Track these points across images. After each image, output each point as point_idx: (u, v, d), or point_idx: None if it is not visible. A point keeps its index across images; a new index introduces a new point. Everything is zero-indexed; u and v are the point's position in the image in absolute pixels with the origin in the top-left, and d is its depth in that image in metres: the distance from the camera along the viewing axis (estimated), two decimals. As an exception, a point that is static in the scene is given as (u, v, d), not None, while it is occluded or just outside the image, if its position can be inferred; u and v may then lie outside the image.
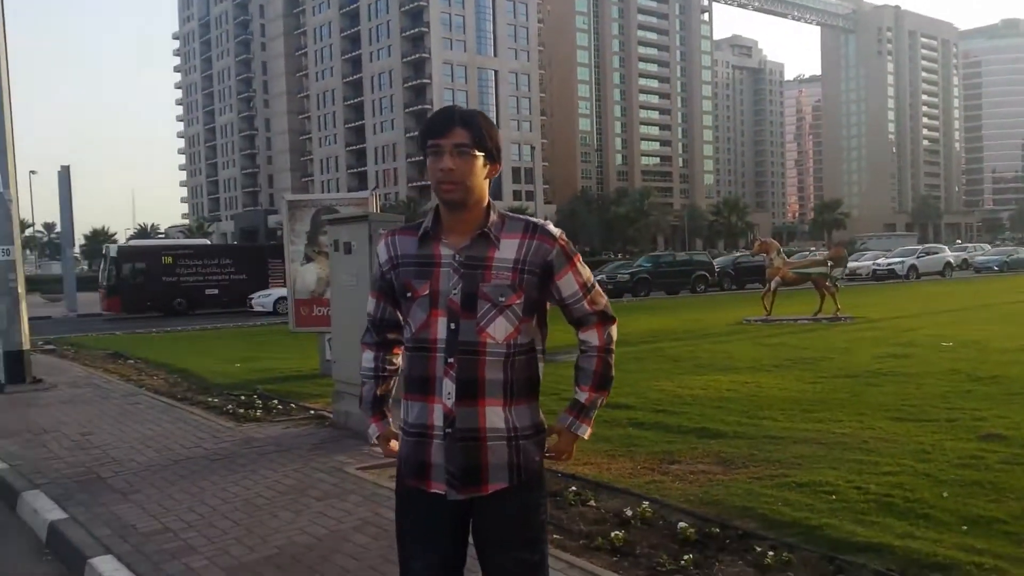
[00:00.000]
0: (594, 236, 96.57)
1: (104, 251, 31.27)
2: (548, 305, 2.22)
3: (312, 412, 8.03)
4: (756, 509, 4.54)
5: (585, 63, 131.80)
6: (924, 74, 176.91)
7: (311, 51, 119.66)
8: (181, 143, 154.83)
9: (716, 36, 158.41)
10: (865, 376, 9.32)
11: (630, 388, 8.51)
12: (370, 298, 2.31)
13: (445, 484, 2.08)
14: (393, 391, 2.36)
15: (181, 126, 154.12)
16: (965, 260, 51.36)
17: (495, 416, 2.08)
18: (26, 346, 10.69)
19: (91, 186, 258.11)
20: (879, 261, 42.22)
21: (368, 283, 6.70)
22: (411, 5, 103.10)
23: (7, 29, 10.67)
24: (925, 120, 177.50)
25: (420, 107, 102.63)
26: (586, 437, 2.28)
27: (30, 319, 11.11)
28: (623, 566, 3.89)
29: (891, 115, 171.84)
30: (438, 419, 2.07)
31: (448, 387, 2.06)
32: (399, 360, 2.31)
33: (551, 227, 2.15)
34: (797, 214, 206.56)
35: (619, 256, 66.06)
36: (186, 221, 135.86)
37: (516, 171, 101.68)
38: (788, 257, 20.25)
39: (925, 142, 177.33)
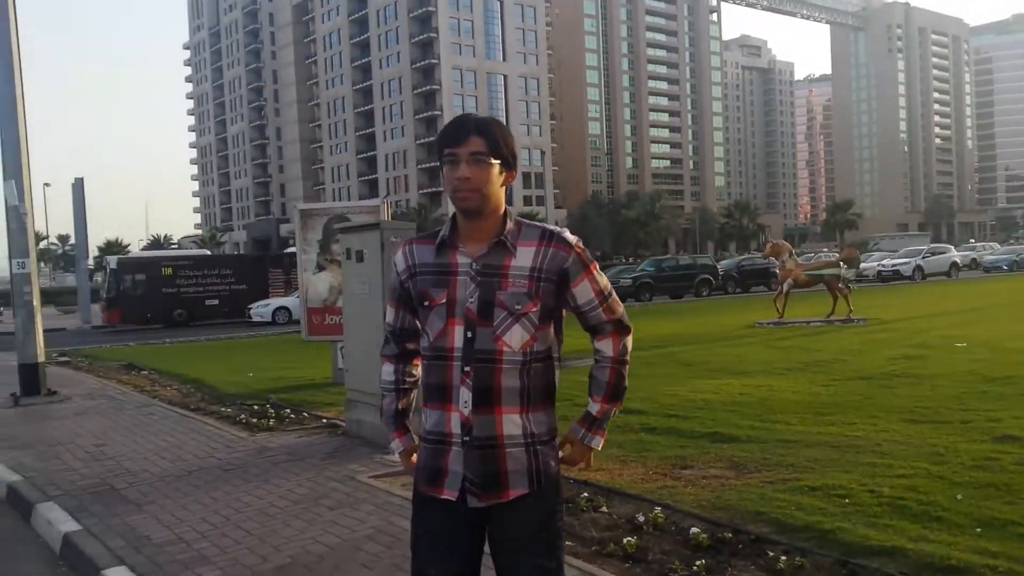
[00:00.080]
0: (605, 240, 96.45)
1: (104, 263, 31.43)
2: (564, 312, 2.22)
3: (325, 421, 8.06)
4: (769, 513, 4.53)
5: (594, 66, 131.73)
6: (935, 71, 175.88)
7: (321, 59, 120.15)
8: (193, 153, 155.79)
9: (725, 36, 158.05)
10: (879, 378, 9.28)
11: (642, 393, 8.49)
12: (388, 307, 2.32)
13: (465, 492, 2.08)
14: (414, 403, 2.37)
15: (193, 136, 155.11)
16: (974, 260, 50.56)
17: (512, 423, 2.08)
18: (41, 359, 10.77)
19: (105, 198, 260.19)
20: (884, 262, 41.47)
21: (380, 291, 6.76)
22: (419, 11, 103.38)
23: (20, 43, 10.77)
24: (937, 118, 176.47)
25: (430, 113, 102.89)
26: (599, 448, 2.28)
27: (44, 331, 11.19)
28: (635, 572, 3.88)
29: (902, 113, 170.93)
30: (455, 427, 2.08)
31: (465, 395, 2.07)
32: (419, 371, 2.31)
33: (567, 234, 2.15)
34: (809, 215, 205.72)
35: (630, 260, 65.92)
36: (199, 231, 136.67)
37: (526, 176, 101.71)
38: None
39: (937, 140, 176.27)
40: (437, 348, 2.11)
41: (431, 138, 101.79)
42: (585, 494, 4.96)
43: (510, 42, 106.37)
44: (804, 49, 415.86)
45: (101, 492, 5.80)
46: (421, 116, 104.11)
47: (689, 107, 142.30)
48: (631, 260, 67.13)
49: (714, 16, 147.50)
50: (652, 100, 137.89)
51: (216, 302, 29.99)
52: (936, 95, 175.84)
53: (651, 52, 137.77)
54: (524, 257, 2.09)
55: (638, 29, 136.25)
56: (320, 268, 10.81)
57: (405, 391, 2.33)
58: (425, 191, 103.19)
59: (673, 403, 8.18)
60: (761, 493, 4.92)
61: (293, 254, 35.55)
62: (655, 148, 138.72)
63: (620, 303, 2.24)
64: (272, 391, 10.22)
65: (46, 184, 65.08)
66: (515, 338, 2.07)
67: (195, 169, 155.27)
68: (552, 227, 2.16)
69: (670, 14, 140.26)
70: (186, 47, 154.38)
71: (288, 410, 8.67)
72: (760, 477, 5.32)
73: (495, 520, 2.12)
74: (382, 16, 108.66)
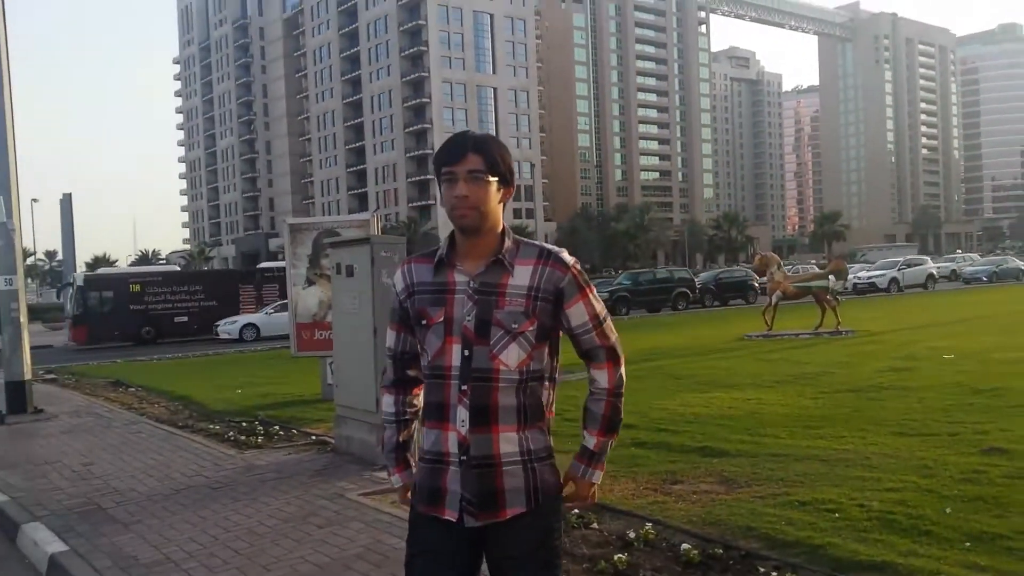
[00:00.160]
0: (594, 253, 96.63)
1: (71, 280, 31.06)
2: (560, 333, 2.21)
3: (314, 437, 8.02)
4: (759, 529, 4.53)
5: (584, 79, 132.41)
6: (922, 82, 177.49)
7: (311, 72, 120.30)
8: (182, 168, 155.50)
9: (713, 48, 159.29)
10: (867, 391, 9.31)
11: (632, 407, 8.43)
12: (389, 331, 2.29)
13: (461, 511, 2.07)
14: (415, 435, 2.34)
15: (182, 151, 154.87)
16: (954, 271, 50.51)
17: (509, 442, 2.08)
18: (28, 376, 10.70)
19: (93, 214, 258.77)
20: (860, 274, 40.99)
21: (370, 306, 6.75)
22: (410, 24, 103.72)
23: (9, 54, 10.75)
24: (924, 128, 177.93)
25: (420, 126, 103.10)
26: (599, 482, 2.26)
27: (31, 348, 11.12)
28: (625, 590, 3.87)
29: (890, 124, 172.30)
30: (453, 446, 2.07)
31: (462, 414, 2.06)
32: (420, 400, 2.30)
33: (565, 255, 2.15)
34: (797, 226, 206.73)
35: (619, 272, 66.00)
36: (187, 246, 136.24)
37: (516, 189, 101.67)
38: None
39: (924, 151, 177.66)
40: (435, 367, 2.11)
41: (421, 151, 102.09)
42: (575, 511, 4.95)
43: (500, 55, 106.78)
44: (792, 60, 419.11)
45: (88, 511, 5.75)
46: (411, 129, 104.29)
47: (678, 119, 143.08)
48: (620, 272, 67.06)
49: (702, 28, 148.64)
50: (641, 112, 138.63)
51: (185, 319, 29.59)
52: (923, 105, 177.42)
53: (640, 64, 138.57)
54: (522, 276, 2.09)
55: (627, 42, 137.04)
56: (309, 283, 10.78)
57: (406, 423, 2.31)
58: (415, 204, 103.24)
59: (663, 417, 8.18)
60: (751, 508, 4.92)
61: (264, 270, 35.58)
62: (644, 160, 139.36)
63: (614, 331, 2.22)
64: (260, 408, 10.17)
65: (33, 200, 64.77)
66: (512, 357, 2.07)
67: (184, 184, 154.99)
68: (550, 247, 2.16)
69: (659, 26, 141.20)
70: (176, 62, 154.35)
71: (277, 427, 8.63)
72: (750, 492, 5.33)
73: (492, 539, 2.11)
74: (372, 30, 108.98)
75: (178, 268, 49.03)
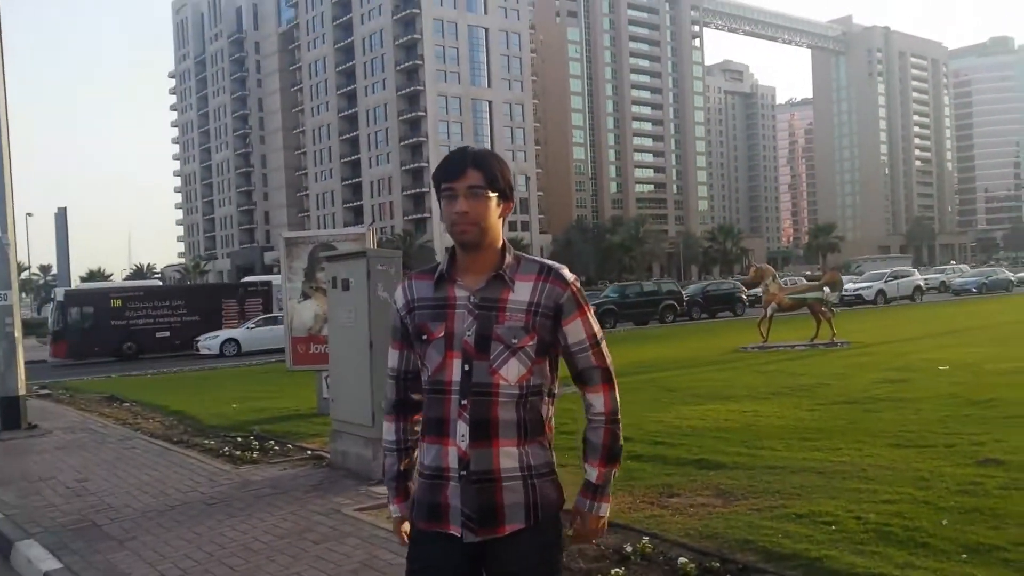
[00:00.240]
0: (590, 265, 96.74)
1: (52, 296, 30.84)
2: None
3: (309, 452, 8.00)
4: (756, 542, 4.52)
5: (578, 92, 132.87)
6: (915, 94, 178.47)
7: (306, 86, 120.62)
8: (178, 182, 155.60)
9: (707, 61, 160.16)
10: (863, 402, 9.32)
11: (627, 420, 8.34)
12: (391, 351, 2.27)
13: (461, 526, 2.07)
14: (416, 464, 2.29)
15: (177, 164, 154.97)
16: (943, 283, 50.51)
17: (509, 457, 2.07)
18: (22, 392, 10.66)
19: (88, 228, 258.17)
20: (847, 287, 40.53)
21: (366, 320, 6.75)
22: (405, 38, 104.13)
23: (6, 71, 10.76)
24: (917, 140, 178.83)
25: (415, 140, 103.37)
26: (607, 515, 2.23)
27: (25, 363, 11.08)
28: (622, 605, 3.86)
29: (883, 136, 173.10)
30: (453, 461, 2.07)
31: (462, 429, 2.06)
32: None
33: (566, 272, 2.15)
34: (792, 238, 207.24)
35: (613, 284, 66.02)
36: (183, 260, 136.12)
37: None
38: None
39: (918, 163, 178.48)
40: (436, 382, 2.11)
41: (416, 164, 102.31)
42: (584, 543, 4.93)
43: (495, 69, 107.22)
44: (786, 73, 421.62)
45: (82, 528, 5.72)
46: (406, 143, 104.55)
47: (672, 132, 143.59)
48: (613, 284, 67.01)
49: (696, 42, 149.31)
50: (636, 125, 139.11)
51: (167, 334, 29.37)
52: (916, 118, 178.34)
53: (635, 78, 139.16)
54: (522, 291, 2.09)
55: (621, 55, 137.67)
56: (305, 296, 10.77)
57: (408, 450, 2.28)
58: (410, 217, 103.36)
59: (659, 430, 8.18)
60: (748, 521, 4.92)
61: (248, 284, 35.47)
62: (639, 173, 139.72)
63: (609, 354, 2.21)
64: (256, 422, 10.14)
65: (28, 214, 64.69)
66: (512, 372, 2.07)
67: (179, 197, 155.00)
68: (551, 263, 2.16)
69: (653, 40, 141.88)
70: (171, 76, 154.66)
71: (272, 442, 8.60)
72: (747, 504, 5.32)
73: (491, 555, 2.10)
74: (367, 44, 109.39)
75: (160, 283, 48.61)
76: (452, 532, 2.07)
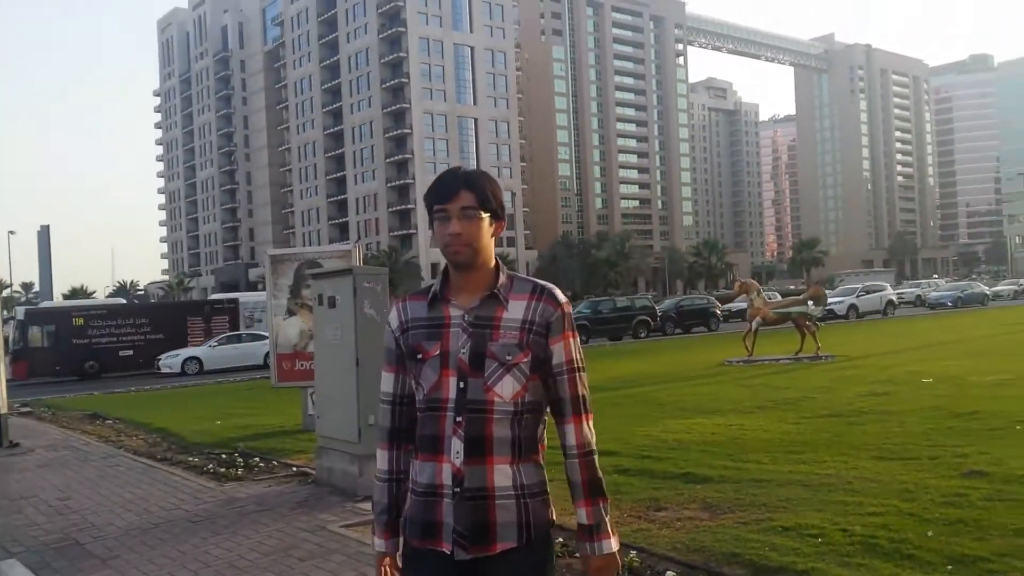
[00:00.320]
0: (575, 280, 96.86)
1: (13, 314, 30.47)
2: None
3: (295, 469, 7.95)
4: (743, 555, 4.53)
5: (563, 109, 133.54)
6: (897, 111, 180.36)
7: (292, 104, 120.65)
8: (162, 199, 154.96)
9: (691, 79, 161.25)
10: (848, 415, 9.37)
11: (613, 434, 8.48)
12: (385, 375, 2.23)
13: (452, 543, 2.05)
14: (409, 497, 2.20)
15: (162, 182, 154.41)
16: (919, 296, 50.79)
17: (503, 475, 2.07)
18: (4, 410, 10.56)
19: (71, 245, 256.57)
20: None
21: (352, 336, 6.73)
22: (391, 57, 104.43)
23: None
24: (899, 156, 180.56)
25: (401, 157, 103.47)
26: (616, 548, 2.15)
27: (6, 381, 10.97)
28: (610, 619, 3.84)
29: (865, 152, 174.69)
30: (447, 478, 2.06)
31: (457, 446, 2.05)
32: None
33: (558, 293, 2.17)
34: (776, 253, 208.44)
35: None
36: (167, 277, 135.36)
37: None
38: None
39: (900, 178, 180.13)
40: (431, 400, 2.10)
41: (402, 181, 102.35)
42: (560, 539, 4.92)
43: (480, 87, 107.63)
44: (769, 91, 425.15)
45: (65, 547, 5.66)
46: (392, 160, 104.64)
47: (657, 148, 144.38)
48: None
49: (680, 60, 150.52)
50: (621, 142, 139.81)
51: (131, 352, 28.94)
52: (898, 134, 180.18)
53: (619, 95, 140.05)
54: (516, 310, 2.11)
55: (606, 73, 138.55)
56: (290, 313, 10.74)
57: (400, 481, 2.22)
58: (396, 233, 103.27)
59: (646, 444, 8.18)
60: (735, 534, 4.92)
61: (214, 301, 35.19)
62: (624, 188, 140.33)
63: (586, 386, 2.19)
64: (240, 439, 10.07)
65: (11, 232, 64.10)
66: (506, 389, 2.07)
67: (163, 215, 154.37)
68: (544, 283, 2.18)
69: (637, 58, 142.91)
70: (156, 94, 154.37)
71: (257, 458, 8.54)
72: (734, 518, 5.33)
73: (483, 573, 2.09)
74: (353, 62, 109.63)
75: (123, 301, 47.80)
76: (444, 550, 2.06)
